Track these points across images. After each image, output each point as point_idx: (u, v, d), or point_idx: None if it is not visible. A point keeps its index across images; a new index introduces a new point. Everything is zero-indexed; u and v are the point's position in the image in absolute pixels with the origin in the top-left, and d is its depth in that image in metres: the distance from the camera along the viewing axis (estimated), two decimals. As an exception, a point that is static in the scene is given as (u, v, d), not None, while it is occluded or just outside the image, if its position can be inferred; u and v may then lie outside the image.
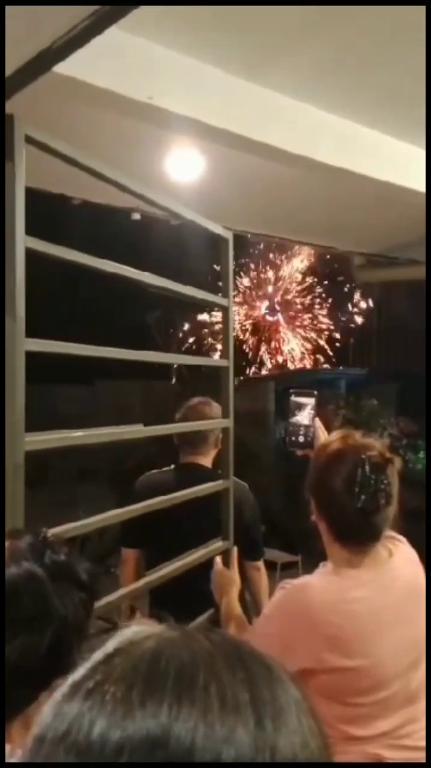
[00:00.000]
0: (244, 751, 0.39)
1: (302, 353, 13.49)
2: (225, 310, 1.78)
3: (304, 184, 3.37)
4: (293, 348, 13.50)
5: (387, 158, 3.04)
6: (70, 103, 2.29)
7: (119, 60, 2.06)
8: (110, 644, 0.46)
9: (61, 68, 1.77)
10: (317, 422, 1.83)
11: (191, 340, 12.52)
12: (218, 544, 1.82)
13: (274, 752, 0.40)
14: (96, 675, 0.44)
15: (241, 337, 13.25)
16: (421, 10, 2.01)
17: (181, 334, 12.90)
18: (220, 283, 1.93)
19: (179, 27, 2.13)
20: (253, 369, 13.13)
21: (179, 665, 0.42)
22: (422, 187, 3.20)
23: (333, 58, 2.36)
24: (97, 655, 0.45)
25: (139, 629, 0.47)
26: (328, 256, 10.85)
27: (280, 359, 13.43)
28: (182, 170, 3.16)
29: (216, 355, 13.19)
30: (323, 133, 2.80)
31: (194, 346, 12.01)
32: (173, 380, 11.86)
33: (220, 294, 1.83)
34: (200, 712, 0.40)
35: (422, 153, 3.18)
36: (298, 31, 2.18)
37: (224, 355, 1.78)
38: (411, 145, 3.12)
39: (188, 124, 2.38)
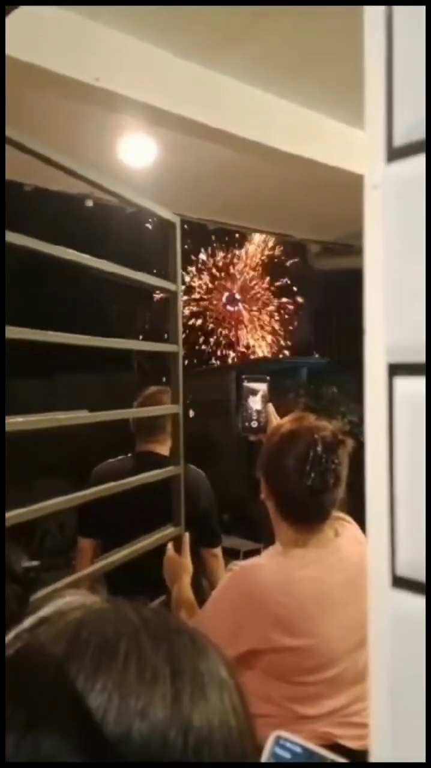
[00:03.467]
0: (157, 726, 0.39)
1: (264, 342, 13.57)
2: (173, 295, 1.77)
3: (258, 170, 3.37)
4: (254, 337, 13.57)
5: (341, 144, 3.05)
6: (15, 86, 2.24)
7: (63, 40, 2.03)
8: (40, 613, 0.46)
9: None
10: (270, 407, 1.84)
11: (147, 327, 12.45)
12: (169, 530, 1.82)
13: (188, 728, 0.40)
14: (17, 643, 0.43)
15: (201, 325, 13.25)
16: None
17: (143, 324, 12.85)
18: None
19: (128, 9, 2.10)
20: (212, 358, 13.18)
21: (102, 637, 0.42)
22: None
23: (286, 43, 2.36)
24: (24, 623, 0.45)
25: (71, 600, 0.47)
26: (284, 244, 10.92)
27: (242, 349, 13.48)
28: (134, 156, 3.13)
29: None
30: (276, 119, 2.80)
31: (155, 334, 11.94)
32: (135, 370, 11.80)
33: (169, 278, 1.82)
34: (116, 685, 0.39)
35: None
36: (250, 17, 2.17)
37: (172, 340, 1.77)
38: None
39: (138, 108, 2.36)
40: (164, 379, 2.33)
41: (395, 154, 0.41)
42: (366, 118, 0.43)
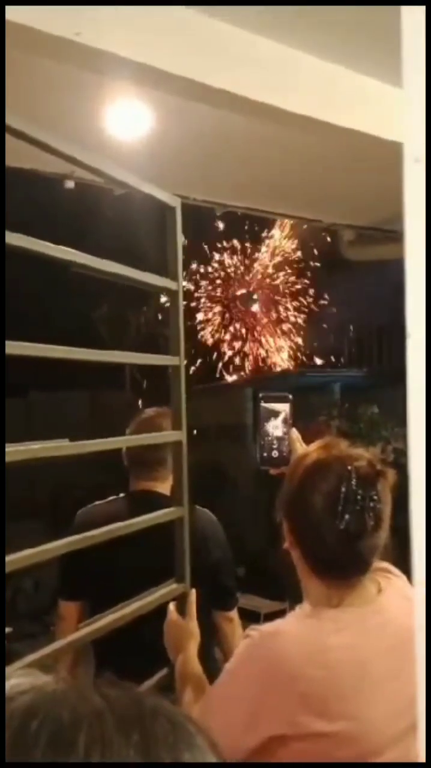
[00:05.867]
0: None
1: (286, 352, 13.59)
2: (173, 295, 1.79)
3: (277, 141, 3.39)
4: (274, 346, 13.60)
5: (377, 107, 3.06)
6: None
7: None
8: None
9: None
10: (294, 432, 1.85)
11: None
12: (170, 588, 1.82)
13: None
14: None
15: (210, 335, 13.31)
16: None
17: (137, 331, 12.93)
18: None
19: None
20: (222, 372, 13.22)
21: (56, 726, 0.42)
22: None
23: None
24: None
25: (17, 682, 0.46)
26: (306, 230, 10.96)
27: (259, 360, 13.51)
28: (124, 126, 3.17)
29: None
30: (296, 78, 2.82)
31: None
32: (127, 388, 11.86)
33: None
34: None
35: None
36: None
37: (173, 350, 1.78)
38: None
39: (128, 69, 2.39)
40: (157, 395, 2.33)
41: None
42: (404, 75, 0.44)
